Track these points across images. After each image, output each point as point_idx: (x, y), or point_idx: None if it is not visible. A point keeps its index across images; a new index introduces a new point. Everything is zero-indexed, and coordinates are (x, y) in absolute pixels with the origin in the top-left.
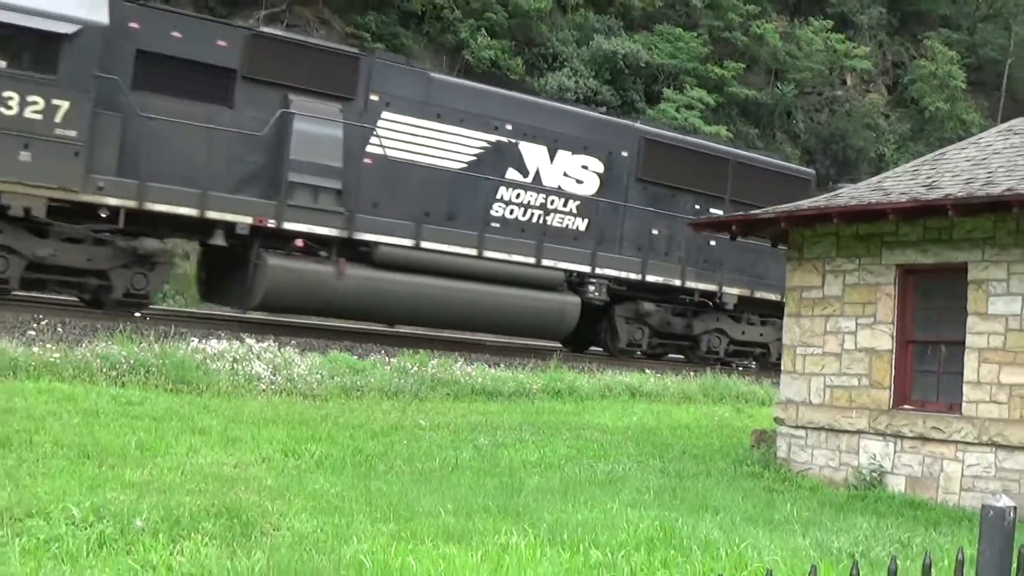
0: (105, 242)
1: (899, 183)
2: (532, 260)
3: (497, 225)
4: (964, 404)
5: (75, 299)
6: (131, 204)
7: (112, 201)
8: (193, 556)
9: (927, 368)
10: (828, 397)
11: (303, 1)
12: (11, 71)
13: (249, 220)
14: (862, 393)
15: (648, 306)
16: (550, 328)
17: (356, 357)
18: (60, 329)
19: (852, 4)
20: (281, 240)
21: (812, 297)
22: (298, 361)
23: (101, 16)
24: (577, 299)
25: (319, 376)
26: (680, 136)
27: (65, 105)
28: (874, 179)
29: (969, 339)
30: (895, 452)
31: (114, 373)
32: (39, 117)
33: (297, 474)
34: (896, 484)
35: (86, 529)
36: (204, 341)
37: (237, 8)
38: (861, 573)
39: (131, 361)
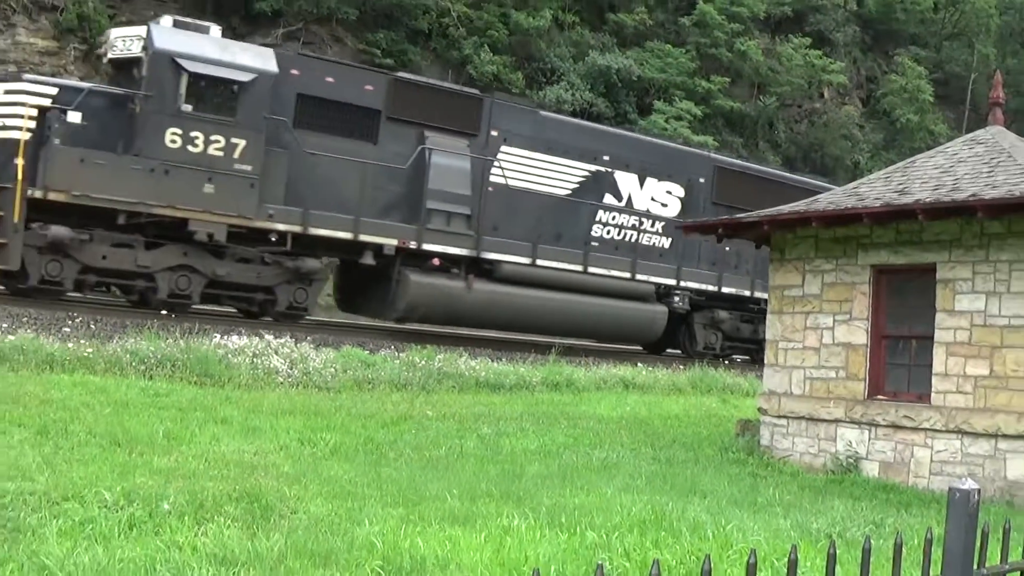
0: (271, 261)
1: (873, 189)
2: (627, 275)
3: (597, 244)
4: (933, 394)
5: (116, 298)
6: (297, 229)
7: (281, 227)
8: (216, 537)
9: (899, 361)
10: (808, 388)
11: (318, 20)
12: (197, 114)
13: (394, 242)
14: (839, 385)
15: (722, 314)
16: (642, 334)
17: (367, 352)
18: (93, 326)
19: (828, 23)
20: (419, 259)
21: (793, 295)
22: (313, 356)
23: (271, 65)
24: (664, 308)
25: (333, 370)
26: (745, 164)
27: (242, 143)
28: (850, 185)
29: (937, 334)
30: (869, 439)
31: (143, 367)
32: (220, 154)
33: (313, 461)
34: (870, 469)
35: (117, 512)
36: (226, 337)
37: (258, 27)
38: (838, 552)
39: (158, 356)
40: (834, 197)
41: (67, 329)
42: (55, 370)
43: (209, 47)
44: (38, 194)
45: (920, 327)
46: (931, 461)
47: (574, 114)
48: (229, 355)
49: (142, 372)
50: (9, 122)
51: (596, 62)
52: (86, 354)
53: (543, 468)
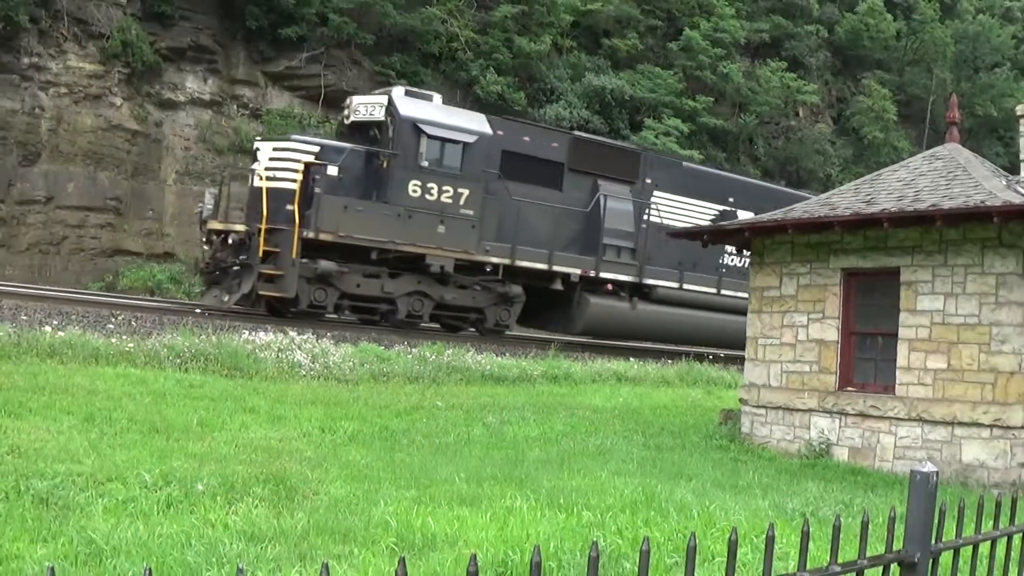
0: (483, 287)
1: (843, 199)
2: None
3: (725, 270)
4: (897, 386)
5: (146, 299)
6: (506, 262)
7: (495, 260)
8: (246, 516)
9: (867, 356)
10: (784, 381)
11: (339, 44)
12: (433, 169)
13: (578, 271)
14: (813, 377)
15: None
16: None
17: (383, 347)
18: (133, 323)
19: (802, 49)
20: (595, 284)
21: (771, 296)
22: (333, 351)
23: (486, 128)
24: None
25: (351, 364)
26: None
27: (466, 192)
28: (823, 196)
29: (901, 331)
30: (840, 427)
31: (178, 360)
32: (450, 201)
33: (333, 447)
34: (840, 454)
35: (156, 492)
36: (253, 333)
37: (283, 52)
38: (811, 529)
39: (193, 351)
40: (808, 207)
41: (110, 326)
42: (100, 363)
43: (438, 114)
44: (310, 235)
45: (885, 325)
46: (895, 446)
47: (572, 130)
48: (257, 350)
49: (178, 365)
50: (280, 175)
51: (592, 83)
52: (128, 349)
53: (543, 454)
